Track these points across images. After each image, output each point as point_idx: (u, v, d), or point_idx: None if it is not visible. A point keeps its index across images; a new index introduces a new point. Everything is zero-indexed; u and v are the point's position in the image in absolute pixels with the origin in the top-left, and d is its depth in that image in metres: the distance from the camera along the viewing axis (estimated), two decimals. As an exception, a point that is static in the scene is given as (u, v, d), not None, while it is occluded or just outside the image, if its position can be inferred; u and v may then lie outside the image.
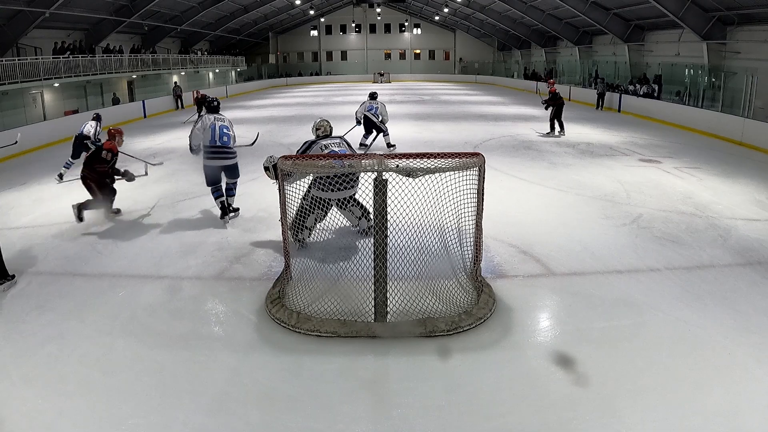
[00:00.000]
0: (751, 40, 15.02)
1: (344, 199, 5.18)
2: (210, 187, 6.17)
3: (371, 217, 4.77)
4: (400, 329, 3.76)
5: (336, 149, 5.31)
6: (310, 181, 5.06)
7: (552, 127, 12.65)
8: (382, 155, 3.83)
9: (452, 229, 4.32)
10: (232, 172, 6.23)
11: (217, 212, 6.42)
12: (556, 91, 12.73)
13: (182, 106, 21.55)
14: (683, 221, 6.22)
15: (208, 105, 6.29)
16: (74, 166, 8.66)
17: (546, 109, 12.87)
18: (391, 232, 3.86)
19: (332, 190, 5.02)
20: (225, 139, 5.97)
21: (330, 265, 4.36)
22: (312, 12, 39.59)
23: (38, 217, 6.80)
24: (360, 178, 5.07)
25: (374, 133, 10.53)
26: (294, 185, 4.38)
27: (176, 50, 29.82)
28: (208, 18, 29.62)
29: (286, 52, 44.23)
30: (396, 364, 3.47)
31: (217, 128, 5.95)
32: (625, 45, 21.60)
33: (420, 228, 4.08)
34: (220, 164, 6.04)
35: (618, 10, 20.78)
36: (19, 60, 15.86)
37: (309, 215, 5.07)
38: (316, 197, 5.05)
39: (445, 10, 35.72)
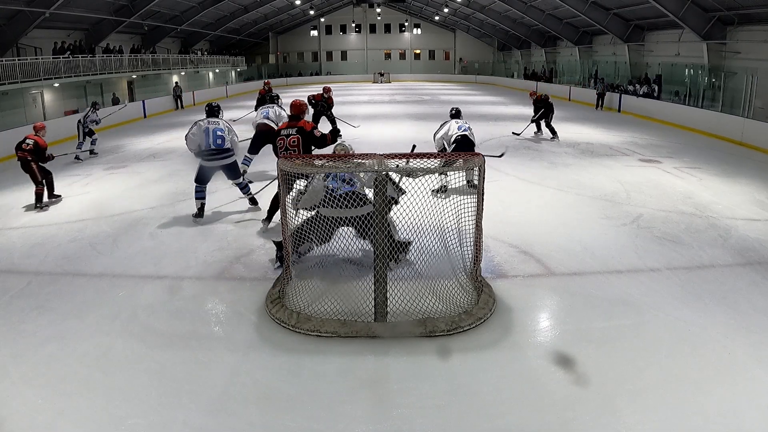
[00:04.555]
0: (751, 40, 15.02)
1: (357, 218, 4.41)
2: (196, 184, 6.34)
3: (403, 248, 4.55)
4: (400, 329, 3.76)
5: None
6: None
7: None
8: (381, 155, 3.83)
9: (452, 229, 4.32)
10: (231, 172, 6.40)
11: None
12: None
13: (182, 107, 21.55)
14: (683, 221, 6.22)
15: (208, 109, 6.47)
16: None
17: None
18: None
19: (339, 207, 4.38)
20: (219, 141, 6.17)
21: (330, 265, 4.35)
22: (312, 12, 39.58)
23: (38, 217, 6.81)
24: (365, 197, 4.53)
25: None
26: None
27: (176, 50, 29.80)
28: (208, 18, 29.61)
29: (286, 52, 44.21)
30: (396, 364, 3.47)
31: (210, 132, 6.15)
32: (625, 45, 21.60)
33: (420, 228, 4.08)
34: (217, 164, 6.27)
35: (618, 10, 20.79)
36: (19, 60, 15.85)
37: (312, 230, 4.49)
38: (322, 215, 4.50)
39: (445, 10, 35.71)
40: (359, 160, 4.04)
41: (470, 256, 4.33)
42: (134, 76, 23.65)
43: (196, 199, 6.38)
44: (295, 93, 29.36)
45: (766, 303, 4.19)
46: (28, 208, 7.26)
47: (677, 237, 5.70)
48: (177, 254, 5.36)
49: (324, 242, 4.61)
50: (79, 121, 11.12)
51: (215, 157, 6.20)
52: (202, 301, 4.37)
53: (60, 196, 7.75)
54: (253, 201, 6.67)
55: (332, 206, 4.40)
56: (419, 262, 4.39)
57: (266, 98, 11.40)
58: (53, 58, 17.52)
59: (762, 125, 11.29)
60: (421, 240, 4.26)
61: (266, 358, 3.54)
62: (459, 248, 4.34)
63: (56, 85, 17.86)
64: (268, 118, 8.56)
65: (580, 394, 3.12)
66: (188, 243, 5.66)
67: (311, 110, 6.08)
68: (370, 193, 4.38)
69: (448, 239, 4.38)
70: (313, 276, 4.28)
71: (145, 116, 18.31)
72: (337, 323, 3.80)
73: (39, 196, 7.25)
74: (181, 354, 3.57)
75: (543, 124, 12.28)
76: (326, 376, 3.33)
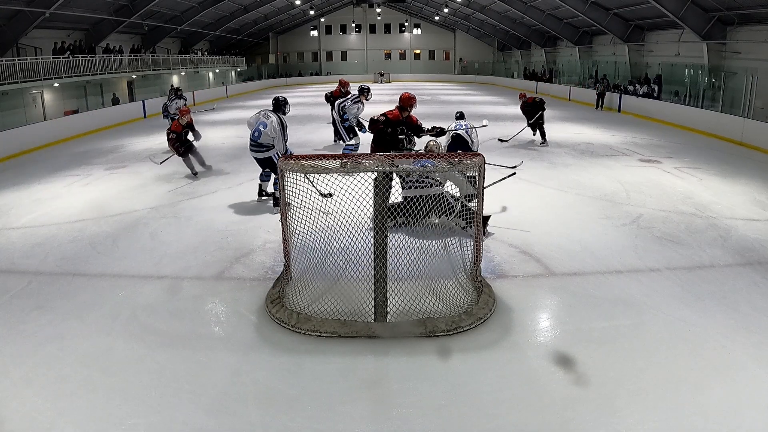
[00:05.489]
0: (751, 40, 15.02)
1: (428, 199, 4.65)
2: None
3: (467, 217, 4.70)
4: (400, 329, 3.76)
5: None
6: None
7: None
8: (381, 155, 3.82)
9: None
10: (264, 164, 6.79)
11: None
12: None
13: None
14: (683, 221, 6.22)
15: (274, 101, 6.81)
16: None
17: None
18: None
19: (412, 187, 5.52)
20: (256, 134, 6.53)
21: (330, 265, 4.35)
22: (312, 12, 39.56)
23: (38, 217, 6.80)
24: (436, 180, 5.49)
25: None
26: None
27: (176, 50, 29.80)
28: (208, 18, 29.61)
29: (286, 52, 44.21)
30: (396, 364, 3.47)
31: (257, 123, 6.55)
32: (625, 45, 21.60)
33: (420, 228, 4.07)
34: (253, 155, 6.74)
35: (618, 10, 20.78)
36: (19, 60, 15.85)
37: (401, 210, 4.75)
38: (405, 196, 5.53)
39: (445, 10, 35.69)
40: (360, 161, 4.04)
41: (470, 256, 4.34)
42: (134, 76, 23.64)
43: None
44: (295, 93, 29.35)
45: (766, 303, 4.19)
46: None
47: (677, 237, 5.70)
48: (177, 254, 5.36)
49: (409, 223, 4.74)
50: (163, 111, 12.00)
51: (252, 148, 6.64)
52: (202, 301, 4.37)
53: (198, 173, 8.84)
54: (275, 201, 6.65)
55: (408, 187, 5.57)
56: (419, 262, 4.39)
57: (343, 95, 10.88)
58: (53, 58, 17.52)
59: (762, 125, 11.28)
60: (421, 240, 4.26)
61: (266, 358, 3.55)
62: (459, 248, 4.34)
63: (56, 85, 17.86)
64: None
65: (580, 394, 3.12)
66: (188, 243, 5.66)
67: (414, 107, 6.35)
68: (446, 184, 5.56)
69: (448, 239, 4.39)
70: (313, 276, 4.27)
71: (145, 116, 18.30)
72: (337, 323, 3.80)
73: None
74: (181, 354, 3.57)
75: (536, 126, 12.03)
76: (326, 376, 3.33)
